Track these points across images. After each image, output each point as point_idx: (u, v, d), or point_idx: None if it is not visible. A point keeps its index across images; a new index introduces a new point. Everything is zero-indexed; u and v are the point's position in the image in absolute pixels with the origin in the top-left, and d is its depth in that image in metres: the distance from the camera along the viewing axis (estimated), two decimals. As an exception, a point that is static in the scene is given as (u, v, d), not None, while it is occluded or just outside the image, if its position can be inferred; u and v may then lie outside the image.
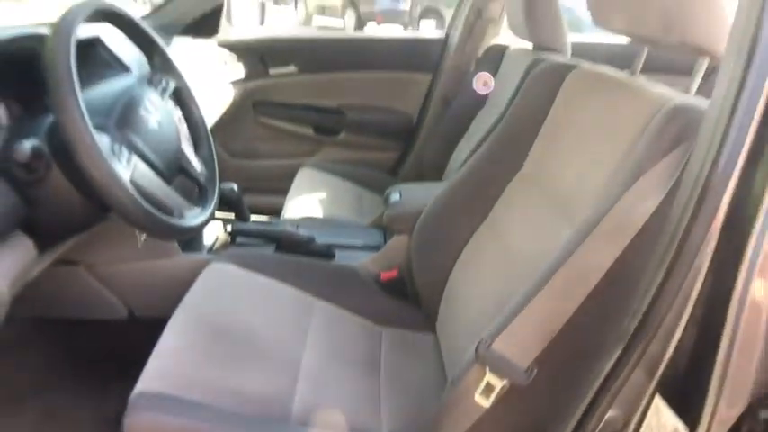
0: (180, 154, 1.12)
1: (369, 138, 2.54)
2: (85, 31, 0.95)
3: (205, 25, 2.20)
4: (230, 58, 2.31)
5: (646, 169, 0.76)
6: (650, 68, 1.02)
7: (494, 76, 2.04)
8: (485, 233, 1.24)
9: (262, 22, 2.42)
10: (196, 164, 1.17)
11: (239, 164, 2.53)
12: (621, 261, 0.74)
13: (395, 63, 2.48)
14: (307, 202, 1.94)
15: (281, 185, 2.19)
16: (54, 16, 0.94)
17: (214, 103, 2.11)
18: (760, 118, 0.59)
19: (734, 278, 0.60)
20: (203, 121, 1.25)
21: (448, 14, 2.46)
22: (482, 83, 2.21)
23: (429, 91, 2.47)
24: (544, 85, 1.19)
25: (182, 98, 1.23)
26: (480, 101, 2.06)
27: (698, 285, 0.63)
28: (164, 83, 1.15)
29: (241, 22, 2.37)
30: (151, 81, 1.12)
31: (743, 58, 0.59)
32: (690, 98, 0.83)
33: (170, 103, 1.19)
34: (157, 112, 1.05)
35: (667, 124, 0.77)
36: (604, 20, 0.99)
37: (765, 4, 0.58)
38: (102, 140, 0.88)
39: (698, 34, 0.81)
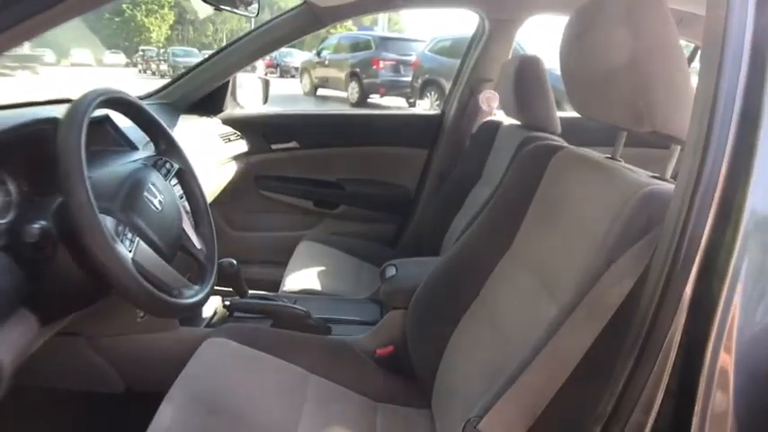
0: (181, 233, 1.17)
1: (367, 211, 2.59)
2: (96, 111, 1.01)
3: (211, 104, 2.30)
4: (234, 133, 2.38)
5: (619, 255, 0.79)
6: None
7: (488, 152, 2.09)
8: (477, 311, 1.26)
9: (265, 101, 2.50)
10: (196, 242, 1.22)
11: (240, 236, 2.57)
12: (599, 342, 0.77)
13: (393, 138, 2.55)
14: (305, 275, 1.97)
15: (281, 257, 2.21)
16: (65, 88, 1.00)
17: (217, 177, 2.16)
18: (719, 201, 0.63)
19: (702, 353, 0.63)
20: (204, 200, 1.30)
21: (448, 87, 2.54)
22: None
23: (426, 165, 2.53)
24: (531, 165, 1.23)
25: (184, 178, 1.28)
26: (475, 175, 2.11)
27: (671, 361, 0.66)
28: (167, 165, 1.21)
29: (246, 100, 2.44)
30: (155, 164, 1.18)
31: (700, 145, 0.64)
32: (662, 184, 0.87)
33: (173, 181, 1.25)
34: (160, 194, 1.10)
35: (639, 211, 0.81)
36: (582, 107, 1.05)
37: (717, 96, 0.63)
38: (107, 223, 0.92)
39: (667, 124, 0.85)
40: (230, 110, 2.41)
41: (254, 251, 2.53)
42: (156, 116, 1.21)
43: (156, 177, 1.13)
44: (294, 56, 19.60)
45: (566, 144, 1.28)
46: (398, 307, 1.50)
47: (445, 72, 9.62)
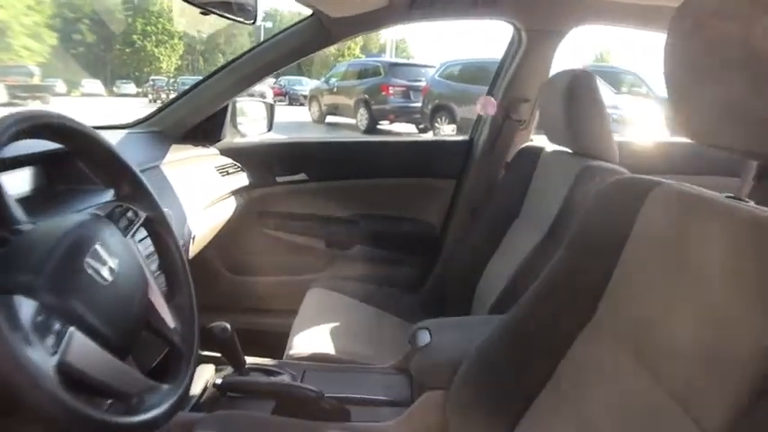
0: (144, 308, 0.85)
1: (386, 251, 2.34)
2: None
3: (207, 131, 2.09)
4: (233, 165, 2.16)
5: None
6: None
7: (528, 183, 1.83)
8: (549, 399, 0.94)
9: (270, 127, 2.29)
10: (168, 318, 0.90)
11: (241, 281, 2.33)
12: None
13: (415, 168, 2.32)
14: (315, 333, 1.69)
15: (287, 306, 1.97)
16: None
17: (213, 215, 1.94)
18: None
19: None
20: (182, 259, 0.99)
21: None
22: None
23: (454, 199, 2.29)
24: (619, 205, 0.93)
25: (155, 230, 0.97)
26: (513, 210, 1.84)
27: None
28: (129, 214, 0.89)
29: (247, 127, 2.24)
30: (112, 214, 0.87)
31: None
32: None
33: (140, 235, 0.94)
34: (111, 257, 0.78)
35: None
36: (699, 133, 0.75)
37: None
38: (23, 311, 0.62)
39: None
40: (229, 138, 2.19)
41: (257, 299, 2.29)
42: (114, 148, 0.90)
43: (109, 234, 0.82)
44: (303, 84, 20.50)
45: (656, 178, 0.97)
46: (436, 387, 1.19)
47: (456, 97, 9.82)
